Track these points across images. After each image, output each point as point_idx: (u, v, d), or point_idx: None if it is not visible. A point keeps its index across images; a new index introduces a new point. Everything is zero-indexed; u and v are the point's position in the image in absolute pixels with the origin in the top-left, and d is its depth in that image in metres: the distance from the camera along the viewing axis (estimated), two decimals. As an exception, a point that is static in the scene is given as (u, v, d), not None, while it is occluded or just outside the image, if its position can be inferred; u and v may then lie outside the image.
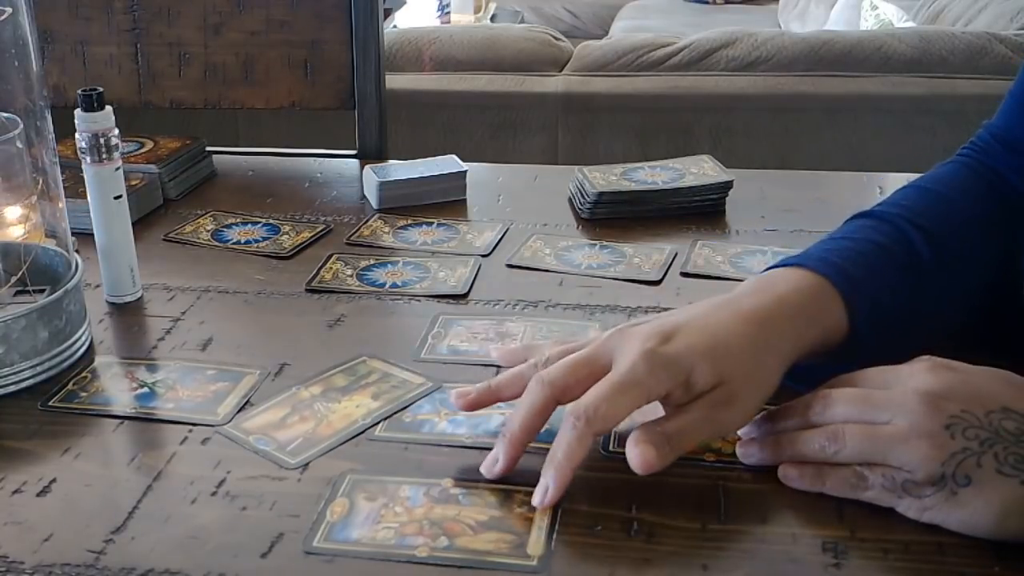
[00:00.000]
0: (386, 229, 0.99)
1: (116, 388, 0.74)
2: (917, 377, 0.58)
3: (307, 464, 0.64)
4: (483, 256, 0.93)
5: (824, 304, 0.65)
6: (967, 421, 0.55)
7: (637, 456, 0.58)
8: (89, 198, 0.83)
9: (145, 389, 0.73)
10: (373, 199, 1.05)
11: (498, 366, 0.74)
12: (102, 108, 0.81)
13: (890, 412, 0.57)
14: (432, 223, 1.00)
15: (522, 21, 4.27)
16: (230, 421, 0.69)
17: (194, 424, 0.69)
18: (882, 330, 0.66)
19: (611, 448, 0.65)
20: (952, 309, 0.71)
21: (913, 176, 1.09)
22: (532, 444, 0.62)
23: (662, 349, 0.60)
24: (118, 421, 0.70)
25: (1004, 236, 0.73)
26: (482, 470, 0.62)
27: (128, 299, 0.85)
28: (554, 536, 0.57)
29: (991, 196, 0.75)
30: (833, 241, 0.71)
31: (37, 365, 0.73)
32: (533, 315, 0.82)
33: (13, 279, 0.78)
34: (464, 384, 0.71)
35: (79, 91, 0.80)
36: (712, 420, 0.60)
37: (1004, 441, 0.55)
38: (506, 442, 0.62)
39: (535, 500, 0.59)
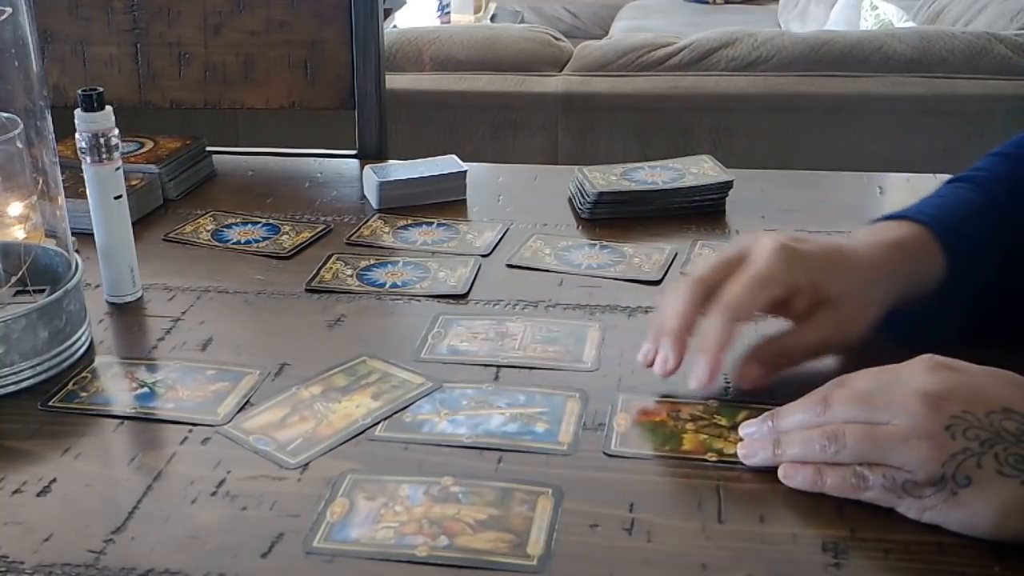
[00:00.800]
0: (386, 229, 0.99)
1: (116, 388, 0.74)
2: (917, 377, 0.58)
3: (307, 464, 0.64)
4: (483, 256, 0.93)
5: (927, 248, 0.71)
6: (968, 422, 0.55)
7: (747, 376, 0.67)
8: (89, 198, 0.83)
9: (145, 389, 0.73)
10: (373, 199, 1.05)
11: (498, 366, 0.74)
12: (102, 108, 0.81)
13: (890, 412, 0.57)
14: (432, 223, 1.00)
15: (522, 21, 4.27)
16: (230, 421, 0.69)
17: (194, 424, 0.69)
18: (974, 275, 0.71)
19: (613, 448, 0.65)
20: None
21: (913, 176, 1.10)
22: (510, 444, 0.62)
23: (796, 246, 0.68)
24: (118, 421, 0.70)
25: None
26: (657, 371, 0.68)
27: (128, 299, 0.85)
28: (554, 536, 0.57)
29: None
30: (930, 199, 0.77)
31: (37, 365, 0.73)
32: (533, 315, 0.82)
33: (13, 279, 0.78)
34: (464, 384, 0.71)
35: (79, 91, 0.80)
36: (830, 329, 0.67)
37: (1005, 442, 0.55)
38: (671, 339, 0.67)
39: (692, 383, 0.66)
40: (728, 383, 0.71)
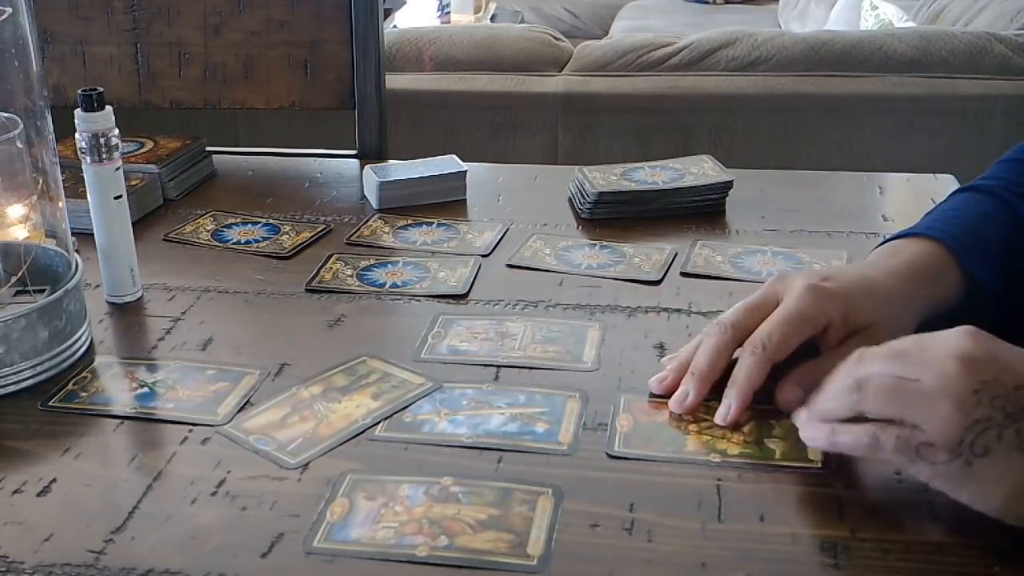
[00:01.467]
0: (386, 229, 0.99)
1: (116, 388, 0.74)
2: (954, 340, 0.57)
3: (307, 464, 0.64)
4: (483, 256, 0.93)
5: (943, 265, 0.73)
6: (996, 390, 0.54)
7: (783, 397, 0.67)
8: (89, 198, 0.83)
9: (145, 389, 0.73)
10: (373, 199, 1.05)
11: (498, 366, 0.74)
12: (102, 108, 0.81)
13: (921, 369, 0.57)
14: (432, 223, 1.00)
15: (522, 21, 4.27)
16: (230, 421, 0.69)
17: (194, 424, 0.69)
18: (995, 285, 0.73)
19: (616, 450, 0.65)
20: None
21: (913, 176, 1.10)
22: (510, 444, 0.62)
23: (824, 285, 0.69)
24: (118, 421, 0.70)
25: None
26: (672, 405, 0.68)
27: (128, 299, 0.85)
28: (554, 536, 0.57)
29: None
30: (940, 212, 0.79)
31: (37, 365, 0.73)
32: (533, 315, 0.82)
33: (13, 279, 0.78)
34: (464, 385, 0.71)
35: (79, 91, 0.80)
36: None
37: None
38: (696, 379, 0.68)
39: (718, 418, 0.67)
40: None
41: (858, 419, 0.59)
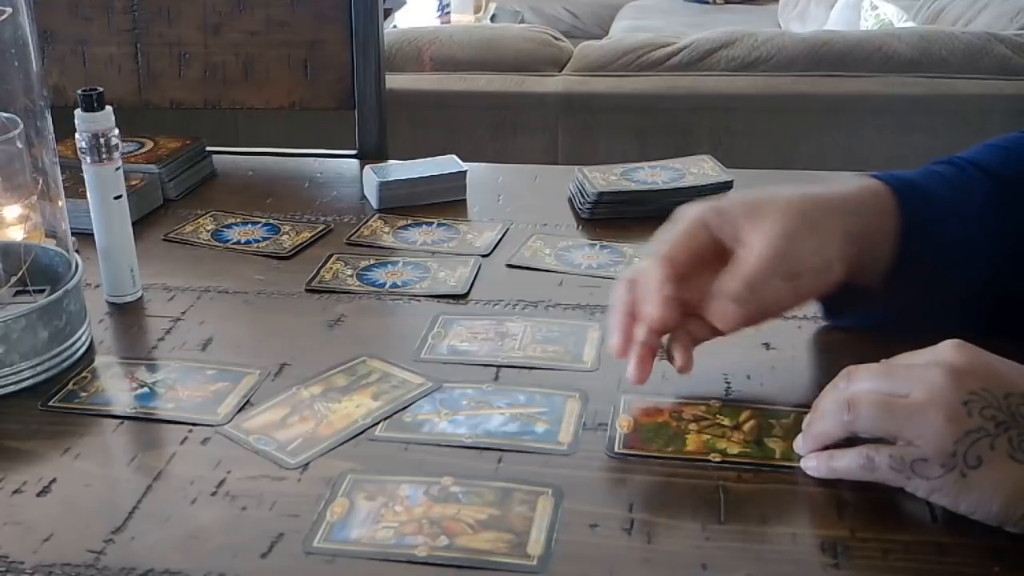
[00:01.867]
0: (386, 229, 0.99)
1: (116, 388, 0.74)
2: (941, 352, 0.58)
3: (307, 464, 0.64)
4: (483, 256, 0.93)
5: (879, 200, 0.70)
6: (985, 400, 0.55)
7: (721, 314, 0.67)
8: (89, 198, 0.83)
9: (145, 389, 0.73)
10: (373, 199, 1.05)
11: (498, 366, 0.74)
12: (102, 108, 0.81)
13: (910, 384, 0.57)
14: (432, 223, 1.00)
15: (522, 21, 4.27)
16: (230, 421, 0.69)
17: (194, 424, 0.69)
18: (933, 243, 0.70)
19: (617, 450, 0.65)
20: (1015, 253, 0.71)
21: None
22: (510, 444, 0.62)
23: (716, 203, 0.69)
24: (118, 421, 0.70)
25: None
26: (630, 377, 0.68)
27: (128, 299, 0.85)
28: (554, 536, 0.57)
29: None
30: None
31: (37, 365, 0.73)
32: (533, 315, 0.82)
33: (13, 279, 0.78)
34: (464, 385, 0.71)
35: (79, 91, 0.80)
36: (766, 242, 0.66)
37: (1020, 426, 0.54)
38: (637, 352, 0.68)
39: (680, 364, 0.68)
40: (729, 383, 0.71)
41: (853, 440, 0.59)
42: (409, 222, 1.00)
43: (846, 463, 0.59)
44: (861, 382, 0.59)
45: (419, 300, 0.85)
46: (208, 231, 0.99)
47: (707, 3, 4.44)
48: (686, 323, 0.69)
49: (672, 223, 0.70)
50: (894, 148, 1.94)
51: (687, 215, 0.70)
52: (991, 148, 0.76)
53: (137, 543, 0.58)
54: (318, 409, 0.70)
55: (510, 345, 0.77)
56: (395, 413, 0.69)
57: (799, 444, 0.63)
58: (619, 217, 0.99)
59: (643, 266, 0.70)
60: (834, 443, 0.61)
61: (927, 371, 0.57)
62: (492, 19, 4.27)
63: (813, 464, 0.61)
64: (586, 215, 1.00)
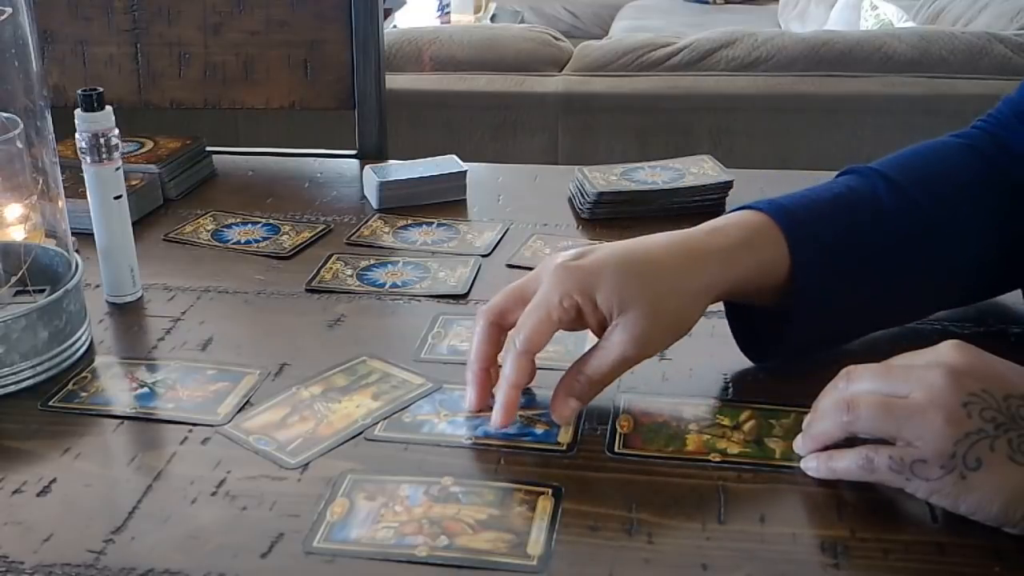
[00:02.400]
0: (386, 229, 0.99)
1: (116, 388, 0.74)
2: (941, 353, 0.58)
3: (307, 464, 0.64)
4: (483, 256, 0.93)
5: (763, 235, 0.68)
6: (985, 401, 0.55)
7: (559, 412, 0.66)
8: (89, 198, 0.83)
9: (145, 389, 0.73)
10: (373, 199, 1.05)
11: (499, 366, 0.74)
12: (102, 108, 0.81)
13: (910, 385, 0.57)
14: (432, 223, 1.00)
15: (522, 21, 4.27)
16: (230, 421, 0.69)
17: (194, 424, 0.69)
18: (827, 268, 0.68)
19: (617, 450, 0.65)
20: (924, 268, 0.71)
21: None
22: (510, 444, 0.62)
23: (575, 263, 0.65)
24: (118, 421, 0.70)
25: (996, 210, 0.73)
26: (467, 406, 0.68)
27: (128, 299, 0.85)
28: (554, 536, 0.57)
29: (987, 170, 0.76)
30: (791, 194, 0.73)
31: (37, 365, 0.73)
32: (533, 315, 0.82)
33: (13, 279, 0.78)
34: (464, 385, 0.71)
35: (79, 91, 0.80)
36: (624, 347, 0.64)
37: (1020, 428, 0.54)
38: (471, 377, 0.68)
39: (492, 422, 0.66)
40: (729, 383, 0.71)
41: (852, 441, 0.59)
42: (409, 222, 1.00)
43: (846, 464, 0.59)
44: (861, 382, 0.59)
45: (419, 300, 0.85)
46: (208, 231, 0.99)
47: (707, 3, 4.44)
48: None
49: (541, 303, 0.65)
50: (894, 148, 1.92)
51: (552, 300, 0.65)
52: (901, 155, 0.78)
53: (137, 543, 0.58)
54: (318, 409, 0.70)
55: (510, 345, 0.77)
56: (395, 413, 0.69)
57: (799, 444, 0.63)
58: (619, 217, 0.99)
59: (502, 304, 0.68)
60: (834, 443, 0.61)
61: (927, 372, 0.57)
62: (492, 19, 4.27)
63: (813, 465, 0.61)
64: (586, 215, 1.00)
